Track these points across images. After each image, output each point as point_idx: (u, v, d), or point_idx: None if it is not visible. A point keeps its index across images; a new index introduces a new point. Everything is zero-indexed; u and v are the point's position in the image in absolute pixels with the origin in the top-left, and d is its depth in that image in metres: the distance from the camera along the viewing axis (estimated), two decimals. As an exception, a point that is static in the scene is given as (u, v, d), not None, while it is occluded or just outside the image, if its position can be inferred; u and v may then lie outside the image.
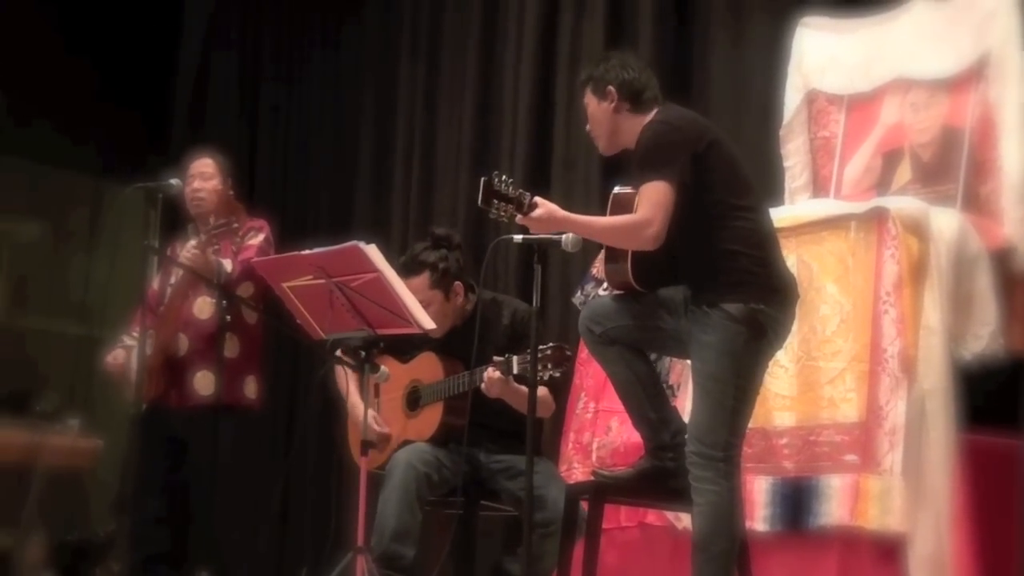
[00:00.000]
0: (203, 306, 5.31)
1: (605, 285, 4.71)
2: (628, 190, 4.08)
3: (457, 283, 4.87)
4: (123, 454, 5.60)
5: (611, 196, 4.17)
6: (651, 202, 3.84)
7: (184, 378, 5.32)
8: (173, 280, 5.45)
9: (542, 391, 4.51)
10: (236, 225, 5.08)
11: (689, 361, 4.05)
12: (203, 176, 5.47)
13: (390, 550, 4.50)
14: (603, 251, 4.14)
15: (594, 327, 4.08)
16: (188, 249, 5.17)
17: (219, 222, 5.06)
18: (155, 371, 5.32)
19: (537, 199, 3.95)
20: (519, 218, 3.94)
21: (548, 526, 4.43)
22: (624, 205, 4.06)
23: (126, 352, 5.34)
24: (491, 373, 4.52)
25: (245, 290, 5.30)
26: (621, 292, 4.11)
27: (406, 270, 4.78)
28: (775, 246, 3.96)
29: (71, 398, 7.28)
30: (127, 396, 5.08)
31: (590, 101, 4.12)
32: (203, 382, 5.22)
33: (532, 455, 3.98)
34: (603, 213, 4.17)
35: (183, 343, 5.33)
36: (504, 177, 3.90)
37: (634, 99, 4.05)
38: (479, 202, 3.88)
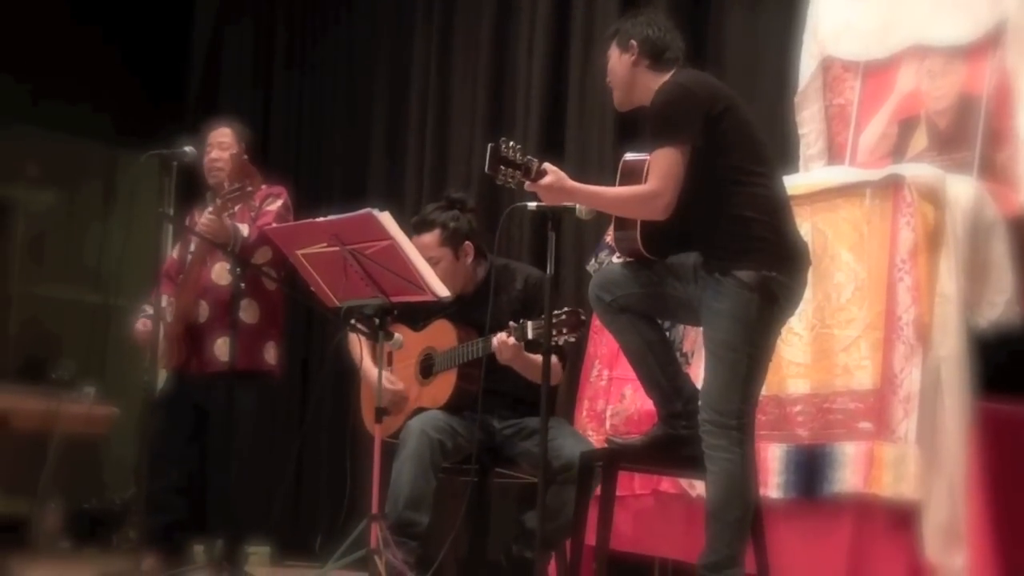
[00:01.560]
0: (222, 272, 5.32)
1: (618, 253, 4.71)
2: (638, 157, 4.08)
3: (467, 243, 4.88)
4: (141, 422, 5.61)
5: (620, 163, 4.17)
6: (661, 172, 3.84)
7: (204, 345, 5.34)
8: (193, 247, 5.46)
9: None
10: (251, 188, 5.08)
11: (701, 328, 4.05)
12: (221, 146, 5.48)
13: (404, 517, 4.52)
14: (613, 219, 4.13)
15: (604, 295, 4.08)
16: (204, 215, 5.17)
17: (234, 186, 5.05)
18: (177, 339, 5.33)
19: (546, 166, 3.95)
20: (528, 185, 3.94)
21: (568, 471, 4.43)
22: (634, 173, 4.06)
23: (152, 320, 5.34)
24: (503, 338, 4.53)
25: (263, 255, 5.30)
26: (631, 259, 4.11)
27: (417, 227, 4.80)
28: (788, 213, 3.95)
29: (87, 366, 7.32)
30: (149, 363, 5.09)
31: (612, 53, 4.12)
32: (223, 348, 5.21)
33: (546, 420, 3.99)
34: (615, 180, 4.17)
35: (203, 310, 5.35)
36: (512, 143, 3.91)
37: (655, 57, 4.05)
38: (486, 168, 3.89)
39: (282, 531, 6.91)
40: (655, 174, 3.86)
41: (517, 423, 4.78)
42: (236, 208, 5.22)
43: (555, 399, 5.05)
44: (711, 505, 3.84)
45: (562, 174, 3.96)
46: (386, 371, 4.70)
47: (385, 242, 4.38)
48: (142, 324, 5.40)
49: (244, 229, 5.22)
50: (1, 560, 5.29)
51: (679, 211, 3.86)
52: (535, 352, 4.56)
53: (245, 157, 5.40)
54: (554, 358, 4.58)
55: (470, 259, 4.90)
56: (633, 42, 4.06)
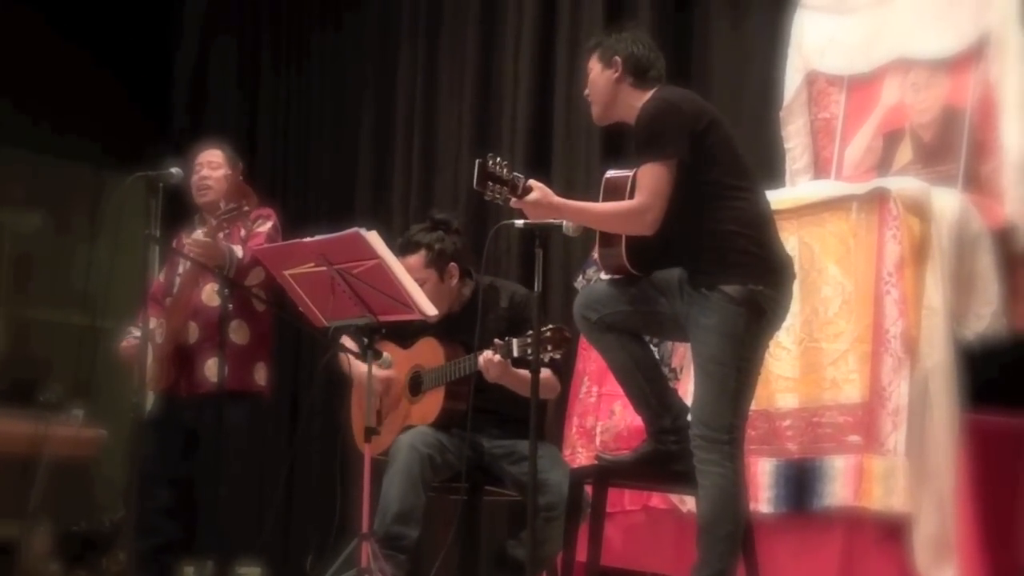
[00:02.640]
0: (212, 293, 5.30)
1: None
2: (621, 174, 4.09)
3: (452, 264, 4.88)
4: (130, 444, 5.60)
5: (603, 180, 4.17)
6: (648, 187, 3.85)
7: (194, 366, 5.32)
8: (182, 268, 5.45)
9: (545, 372, 4.51)
10: (247, 208, 5.07)
11: (689, 344, 4.05)
12: (211, 165, 5.47)
13: (392, 531, 4.51)
14: (598, 235, 4.14)
15: (590, 314, 4.08)
16: (198, 236, 5.16)
17: (230, 206, 5.05)
18: (166, 360, 5.32)
19: (532, 182, 3.96)
20: (513, 201, 3.95)
21: (552, 510, 4.44)
22: (617, 190, 4.06)
23: (140, 342, 5.32)
24: (489, 356, 4.52)
25: (256, 276, 5.29)
26: (616, 277, 4.11)
27: (402, 250, 4.80)
28: (772, 227, 3.96)
29: (75, 388, 7.29)
30: (137, 384, 5.08)
31: (593, 67, 4.13)
32: (213, 369, 5.18)
33: (536, 439, 3.99)
34: (599, 198, 4.17)
35: (193, 331, 5.34)
36: (499, 160, 3.92)
37: (639, 75, 4.06)
38: (474, 184, 3.90)
39: (273, 551, 6.87)
40: (642, 189, 3.86)
41: (507, 445, 4.77)
42: (229, 229, 5.22)
43: (545, 416, 5.04)
44: (702, 520, 3.84)
45: (548, 190, 3.97)
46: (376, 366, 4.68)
47: (372, 261, 4.38)
48: (127, 342, 5.39)
49: (238, 250, 5.21)
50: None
51: (664, 227, 3.87)
52: (524, 368, 4.56)
53: (241, 178, 5.39)
54: (548, 372, 4.58)
55: (455, 281, 4.90)
56: (617, 58, 4.07)
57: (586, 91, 4.18)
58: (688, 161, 3.85)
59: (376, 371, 4.61)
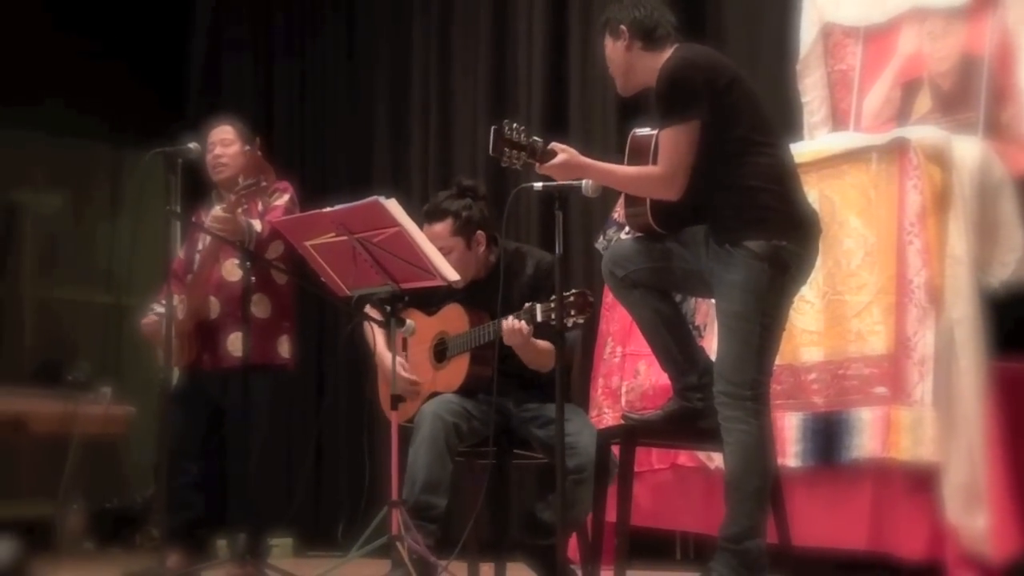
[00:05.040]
0: (233, 268, 5.31)
1: (627, 229, 4.70)
2: (646, 133, 4.07)
3: (480, 232, 4.86)
4: (157, 420, 5.63)
5: (629, 139, 4.15)
6: (669, 154, 3.84)
7: (217, 341, 5.35)
8: (201, 245, 5.46)
9: (549, 345, 4.49)
10: (265, 184, 5.07)
11: (714, 301, 4.05)
12: (224, 142, 5.47)
13: (421, 501, 4.52)
14: (623, 195, 4.13)
15: (617, 271, 4.08)
16: (217, 212, 5.17)
17: (248, 181, 5.04)
18: (189, 336, 5.35)
19: (554, 145, 3.95)
20: (537, 167, 3.94)
21: (581, 472, 4.44)
22: (642, 151, 4.04)
23: (159, 318, 5.35)
24: (511, 322, 4.51)
25: (275, 250, 5.30)
26: (642, 234, 4.11)
27: (428, 217, 4.78)
28: (796, 182, 3.95)
29: (102, 366, 7.33)
30: (160, 361, 5.11)
31: (607, 43, 4.12)
32: (236, 344, 5.20)
33: (562, 403, 3.99)
34: (621, 157, 4.16)
35: (215, 306, 5.36)
36: (515, 125, 3.91)
37: (646, 36, 4.04)
38: (490, 150, 3.89)
39: (304, 522, 6.93)
40: (664, 157, 3.85)
41: (533, 408, 4.77)
42: (247, 204, 5.22)
43: (570, 379, 5.05)
44: (730, 476, 3.85)
45: (572, 151, 3.97)
46: (400, 358, 4.70)
47: (393, 229, 4.37)
48: (148, 319, 5.41)
49: (257, 225, 5.22)
50: (26, 562, 5.31)
51: (689, 185, 3.86)
52: (544, 334, 4.55)
53: (259, 153, 5.38)
54: (548, 343, 4.56)
55: (482, 248, 4.88)
56: (622, 27, 4.05)
57: (610, 69, 4.17)
58: (709, 120, 3.83)
59: (400, 371, 4.61)
